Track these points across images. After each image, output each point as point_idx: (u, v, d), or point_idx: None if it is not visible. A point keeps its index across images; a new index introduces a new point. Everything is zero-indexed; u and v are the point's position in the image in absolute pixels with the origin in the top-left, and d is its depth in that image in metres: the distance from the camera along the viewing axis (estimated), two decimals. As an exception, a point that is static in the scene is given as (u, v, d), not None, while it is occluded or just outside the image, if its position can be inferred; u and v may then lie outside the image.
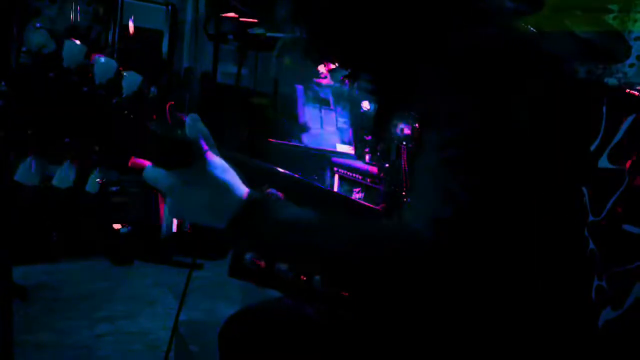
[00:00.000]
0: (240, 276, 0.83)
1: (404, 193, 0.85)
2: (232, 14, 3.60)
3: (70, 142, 0.67)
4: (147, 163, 0.72)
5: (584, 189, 0.84)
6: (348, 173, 2.59)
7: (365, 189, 2.36)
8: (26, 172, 0.67)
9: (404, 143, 0.83)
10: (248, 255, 0.82)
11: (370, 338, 0.85)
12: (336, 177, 2.70)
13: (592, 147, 0.85)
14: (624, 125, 0.85)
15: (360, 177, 2.51)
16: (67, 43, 0.67)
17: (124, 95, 0.71)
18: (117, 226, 3.57)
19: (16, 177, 0.66)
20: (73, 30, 4.00)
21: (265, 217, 0.72)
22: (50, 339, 2.34)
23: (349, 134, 3.74)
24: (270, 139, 3.13)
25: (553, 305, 0.78)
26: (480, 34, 0.75)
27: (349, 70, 0.87)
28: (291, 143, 3.33)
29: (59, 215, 3.33)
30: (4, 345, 1.54)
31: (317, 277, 0.81)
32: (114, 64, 0.70)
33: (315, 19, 0.79)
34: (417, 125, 0.81)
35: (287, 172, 0.85)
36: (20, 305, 2.66)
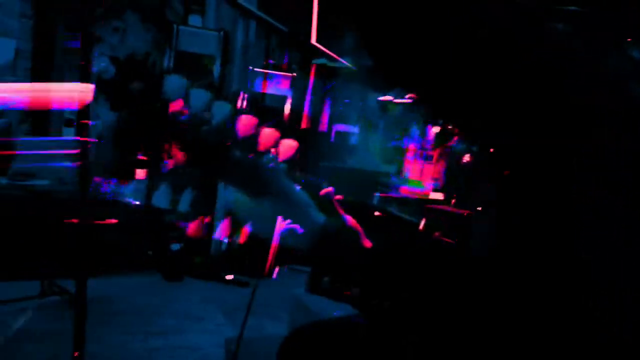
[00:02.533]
0: (318, 293, 0.90)
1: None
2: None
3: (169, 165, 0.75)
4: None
5: None
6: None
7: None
8: (160, 196, 0.74)
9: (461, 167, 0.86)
10: (325, 278, 0.89)
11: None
12: (423, 220, 2.76)
13: None
14: None
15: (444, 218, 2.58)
16: (168, 78, 0.74)
17: (214, 124, 0.78)
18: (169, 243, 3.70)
19: (153, 202, 0.74)
20: (132, 57, 4.24)
21: (341, 243, 0.81)
22: (105, 351, 2.44)
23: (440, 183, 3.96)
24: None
25: None
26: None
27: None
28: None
29: (117, 231, 3.49)
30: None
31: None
32: (209, 94, 0.77)
33: (388, 52, 0.82)
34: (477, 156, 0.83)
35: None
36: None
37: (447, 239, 0.97)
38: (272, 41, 4.13)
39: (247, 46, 4.09)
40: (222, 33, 3.92)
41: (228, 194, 0.94)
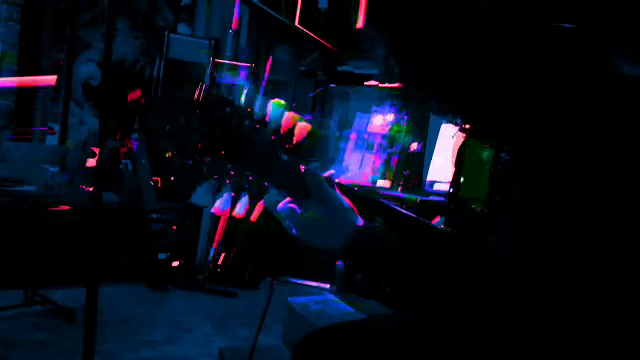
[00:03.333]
0: (352, 291, 0.90)
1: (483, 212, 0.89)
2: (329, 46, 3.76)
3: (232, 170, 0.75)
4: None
5: None
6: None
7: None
8: (202, 195, 0.74)
9: (487, 168, 0.87)
10: (359, 276, 0.89)
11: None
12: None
13: None
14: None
15: (404, 206, 2.62)
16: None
17: (269, 125, 0.78)
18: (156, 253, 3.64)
19: (193, 200, 0.73)
20: (120, 63, 4.19)
21: (376, 243, 0.82)
22: (94, 362, 2.37)
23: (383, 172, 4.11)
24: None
25: None
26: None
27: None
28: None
29: (102, 240, 3.41)
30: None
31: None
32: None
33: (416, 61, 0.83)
34: (507, 156, 0.85)
35: (390, 204, 0.91)
36: (66, 327, 2.72)
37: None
38: (263, 49, 4.14)
39: (238, 55, 4.09)
40: (212, 41, 3.91)
41: (268, 197, 0.93)
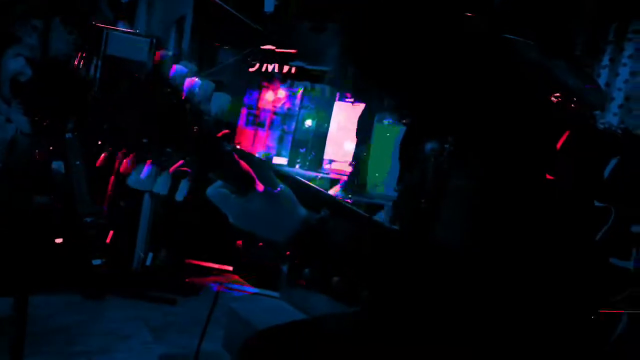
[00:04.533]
0: (298, 286, 0.90)
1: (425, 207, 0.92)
2: (270, 47, 3.81)
3: (171, 152, 0.71)
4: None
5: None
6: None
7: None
8: (139, 178, 0.70)
9: (432, 160, 0.90)
10: (306, 270, 0.88)
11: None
12: None
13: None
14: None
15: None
16: (178, 66, 0.71)
17: (213, 114, 0.76)
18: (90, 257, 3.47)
19: (129, 183, 0.69)
20: (53, 59, 3.97)
21: (321, 237, 0.82)
22: (23, 375, 2.23)
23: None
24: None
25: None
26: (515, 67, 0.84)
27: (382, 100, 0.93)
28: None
29: (30, 245, 3.22)
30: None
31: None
32: (212, 85, 0.75)
33: (366, 58, 0.86)
34: (447, 146, 0.88)
35: (331, 194, 0.91)
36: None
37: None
38: (207, 47, 4.07)
39: (179, 55, 3.99)
40: (153, 40, 3.79)
41: (210, 191, 0.89)
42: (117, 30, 3.79)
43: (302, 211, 0.85)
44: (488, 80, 0.84)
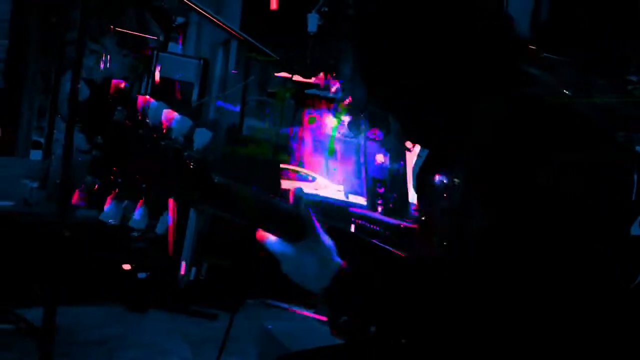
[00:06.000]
0: (337, 333, 0.91)
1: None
2: (285, 74, 3.85)
3: (146, 188, 0.72)
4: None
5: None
6: (368, 225, 2.63)
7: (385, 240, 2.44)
8: (112, 213, 0.71)
9: (445, 195, 0.86)
10: (343, 318, 0.89)
11: None
12: (352, 227, 2.73)
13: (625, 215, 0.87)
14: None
15: (378, 228, 2.56)
16: (153, 103, 0.73)
17: (195, 149, 0.76)
18: (129, 268, 3.58)
19: (101, 217, 0.71)
20: (108, 81, 4.18)
21: (359, 286, 0.82)
22: (63, 384, 2.31)
23: (356, 185, 3.86)
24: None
25: None
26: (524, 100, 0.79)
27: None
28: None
29: (78, 258, 3.36)
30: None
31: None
32: (189, 122, 0.76)
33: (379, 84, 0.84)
34: (456, 179, 0.85)
35: (369, 239, 0.91)
36: (36, 347, 2.64)
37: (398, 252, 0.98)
38: (253, 70, 4.15)
39: (225, 75, 4.10)
40: (201, 61, 3.92)
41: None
42: (167, 52, 3.95)
43: (339, 262, 0.84)
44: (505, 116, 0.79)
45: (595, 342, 0.77)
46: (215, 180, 0.75)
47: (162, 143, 0.72)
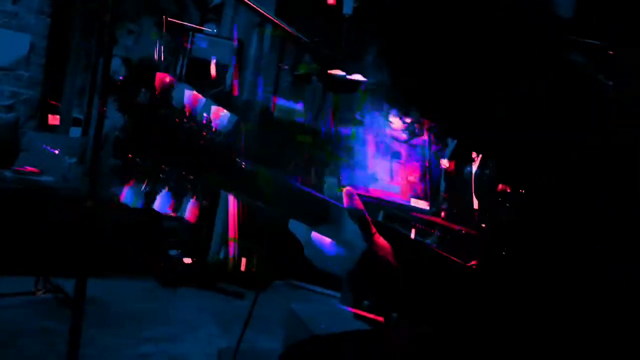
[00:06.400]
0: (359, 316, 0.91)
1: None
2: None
3: (170, 171, 0.73)
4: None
5: None
6: (428, 229, 2.62)
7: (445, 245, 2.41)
8: (133, 196, 0.72)
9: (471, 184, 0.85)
10: (366, 302, 0.89)
11: None
12: (413, 231, 2.72)
13: None
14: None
15: (440, 232, 2.53)
16: (178, 86, 0.73)
17: (218, 132, 0.77)
18: (166, 248, 3.67)
19: (123, 200, 0.72)
20: (145, 60, 4.24)
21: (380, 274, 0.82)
22: (97, 354, 2.40)
23: (419, 188, 3.77)
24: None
25: None
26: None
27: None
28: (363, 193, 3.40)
29: (113, 234, 3.46)
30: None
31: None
32: (234, 117, 0.76)
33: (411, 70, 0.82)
34: (487, 171, 0.83)
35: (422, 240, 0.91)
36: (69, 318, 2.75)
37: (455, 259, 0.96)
38: (287, 52, 4.14)
39: (260, 57, 4.11)
40: (238, 43, 3.93)
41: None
42: (202, 32, 3.97)
43: (361, 249, 0.84)
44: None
45: (596, 342, 0.75)
46: (242, 166, 0.76)
47: (185, 126, 0.72)
